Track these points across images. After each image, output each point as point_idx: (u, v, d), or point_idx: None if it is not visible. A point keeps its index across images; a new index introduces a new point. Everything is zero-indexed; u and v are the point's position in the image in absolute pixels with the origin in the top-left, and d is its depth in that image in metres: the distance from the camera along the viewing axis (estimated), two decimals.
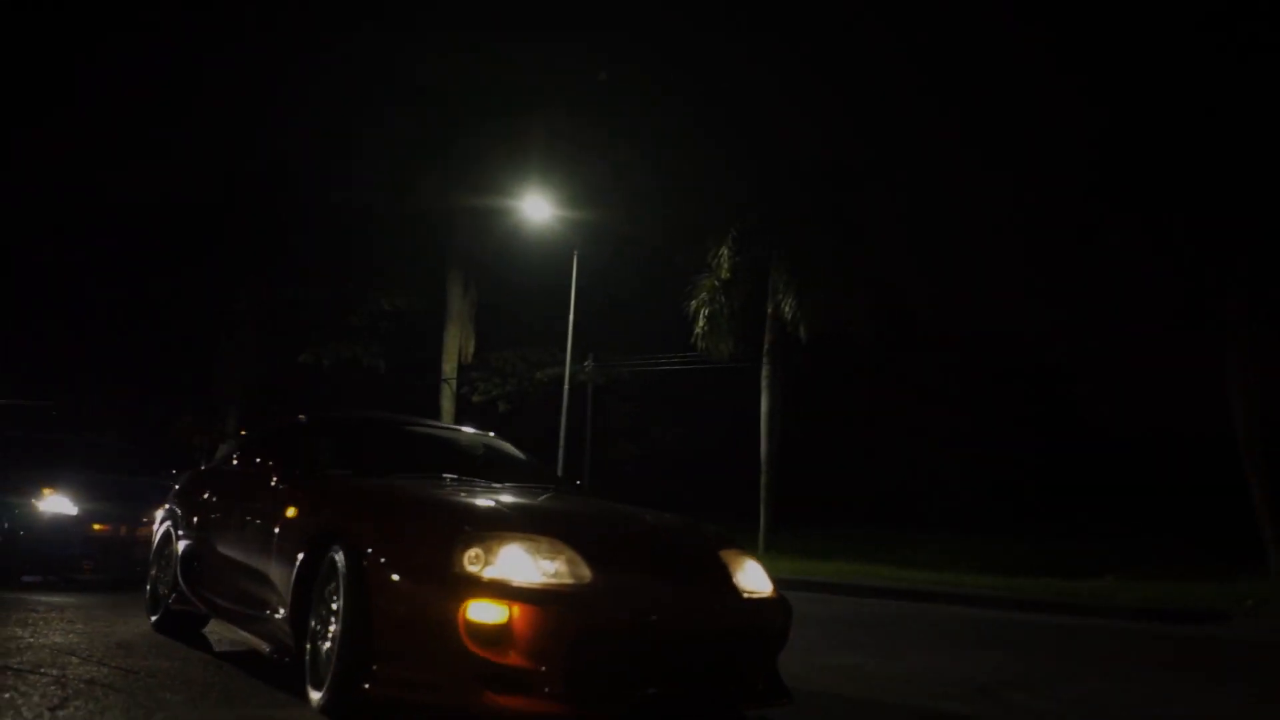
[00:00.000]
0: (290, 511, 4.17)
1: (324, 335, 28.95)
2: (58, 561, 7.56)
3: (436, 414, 25.48)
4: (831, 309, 20.29)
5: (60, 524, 7.50)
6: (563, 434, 23.53)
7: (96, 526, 7.60)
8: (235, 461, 5.46)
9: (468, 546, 3.25)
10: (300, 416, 5.22)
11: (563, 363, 24.09)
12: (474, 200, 24.00)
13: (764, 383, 21.03)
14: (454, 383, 26.70)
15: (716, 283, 20.86)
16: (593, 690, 3.18)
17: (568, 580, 3.27)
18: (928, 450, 30.99)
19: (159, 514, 6.22)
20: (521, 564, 3.24)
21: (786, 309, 20.30)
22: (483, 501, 3.85)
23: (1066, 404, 35.22)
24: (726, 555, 3.86)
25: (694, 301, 21.24)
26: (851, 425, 29.98)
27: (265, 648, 4.14)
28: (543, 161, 23.81)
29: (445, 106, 24.88)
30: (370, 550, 3.41)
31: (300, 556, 3.82)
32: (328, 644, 3.54)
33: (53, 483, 7.66)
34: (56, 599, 6.85)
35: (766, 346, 21.13)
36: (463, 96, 25.09)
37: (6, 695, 3.52)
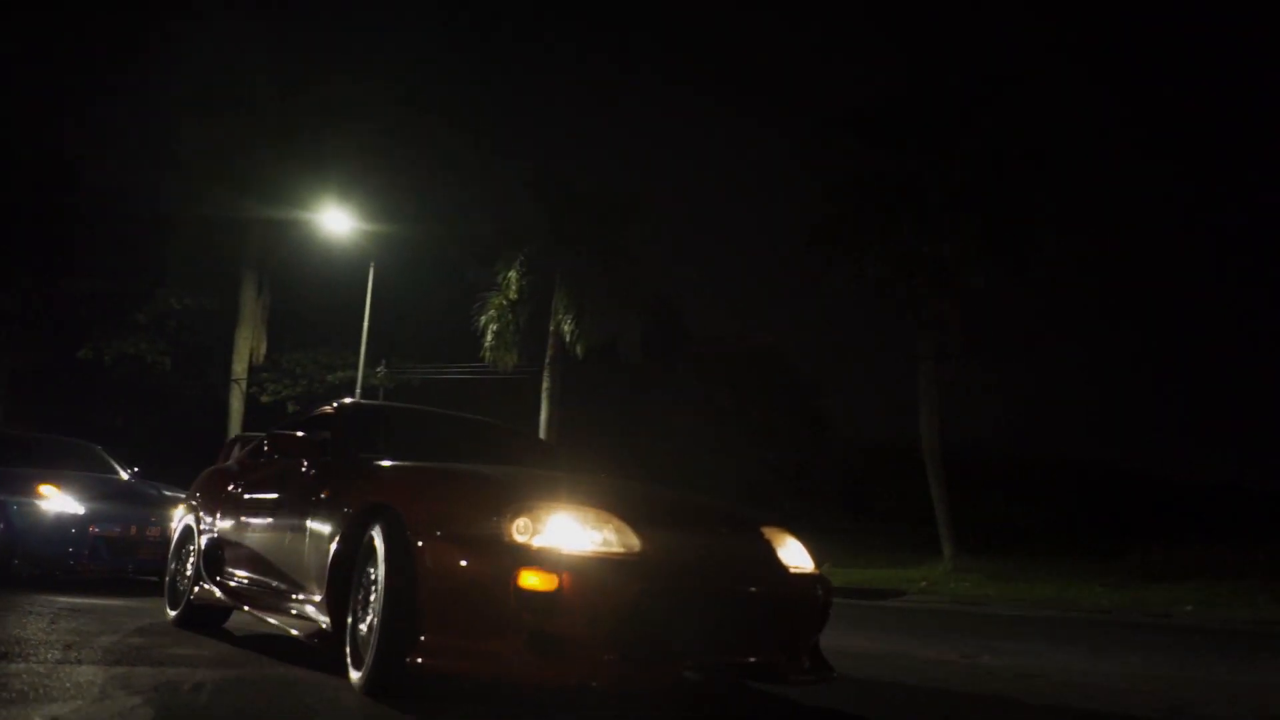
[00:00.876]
0: (325, 493, 4.11)
1: (106, 331, 28.73)
2: (63, 561, 7.36)
3: (224, 414, 26.18)
4: (605, 328, 22.86)
5: (65, 523, 7.37)
6: None
7: (103, 527, 7.47)
8: (261, 454, 5.25)
9: (516, 515, 3.20)
10: (332, 405, 5.17)
11: (355, 366, 25.44)
12: (272, 207, 24.87)
13: (544, 393, 23.29)
14: (244, 383, 27.34)
15: (505, 301, 22.98)
16: (643, 659, 3.14)
17: (617, 549, 3.23)
18: (696, 455, 34.18)
19: (178, 511, 6.29)
20: (571, 532, 3.19)
21: (566, 328, 22.67)
22: (527, 476, 3.91)
23: (819, 414, 39.74)
24: (769, 531, 3.84)
25: (484, 317, 23.26)
26: (625, 433, 32.75)
27: (296, 632, 4.04)
28: (345, 174, 25.03)
29: (247, 114, 25.61)
30: (414, 523, 3.36)
31: (338, 536, 3.77)
32: (368, 621, 3.47)
33: (56, 481, 7.64)
34: (67, 599, 6.71)
35: (548, 360, 23.41)
36: (265, 105, 25.94)
37: (34, 692, 3.29)
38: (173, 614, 5.60)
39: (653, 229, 27.41)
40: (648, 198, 28.84)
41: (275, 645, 4.77)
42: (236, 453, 6.38)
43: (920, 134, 19.30)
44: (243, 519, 5.04)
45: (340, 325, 28.01)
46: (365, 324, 24.25)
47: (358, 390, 25.10)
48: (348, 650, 3.63)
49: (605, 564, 3.17)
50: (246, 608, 4.74)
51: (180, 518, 5.97)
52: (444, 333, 28.15)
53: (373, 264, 24.39)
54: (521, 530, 3.19)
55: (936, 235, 19.14)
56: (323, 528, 3.97)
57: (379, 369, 28.73)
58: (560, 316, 22.81)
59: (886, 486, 34.66)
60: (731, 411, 35.59)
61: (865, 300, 21.87)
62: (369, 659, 3.38)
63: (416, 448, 4.57)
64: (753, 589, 3.54)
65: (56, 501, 7.39)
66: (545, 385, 23.36)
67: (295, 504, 4.34)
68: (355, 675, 3.51)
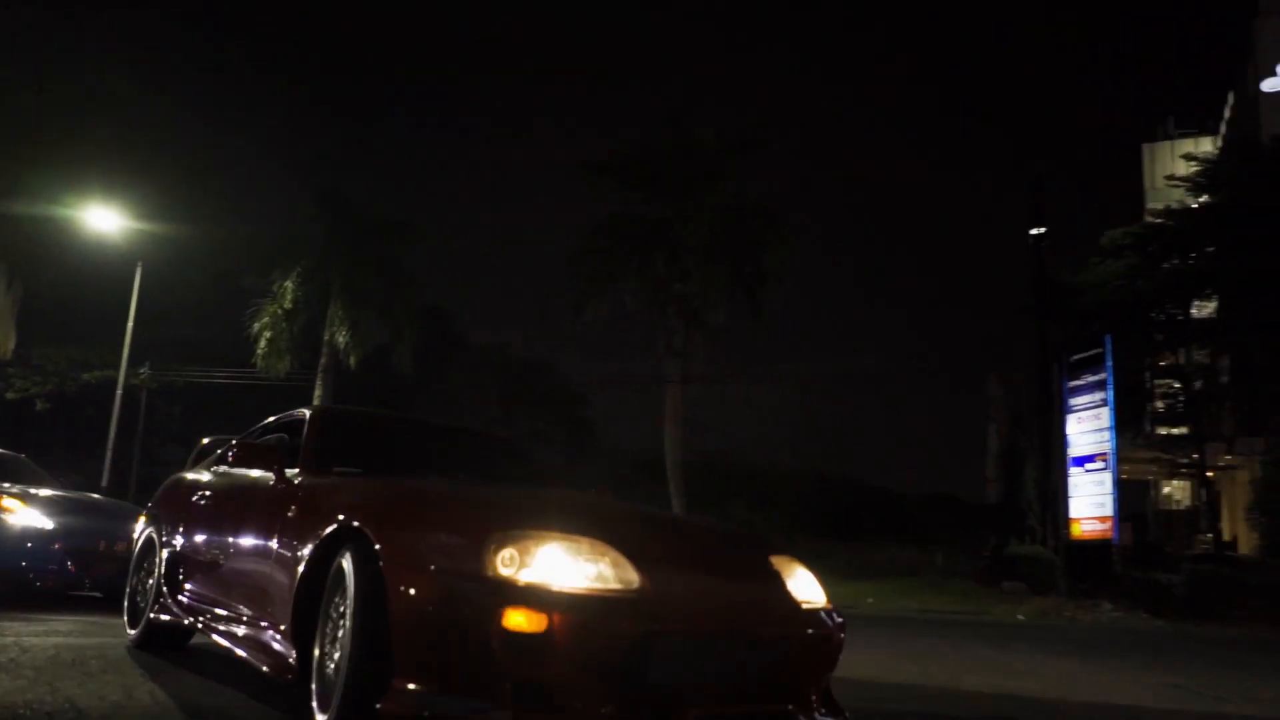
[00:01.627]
0: (293, 512, 3.67)
1: None
2: (32, 576, 7.09)
3: None
4: (378, 339, 24.02)
5: (34, 538, 7.12)
6: (112, 434, 24.63)
7: (73, 542, 7.25)
8: (227, 462, 4.83)
9: (501, 546, 2.80)
10: (302, 411, 4.66)
11: (117, 366, 25.11)
12: (21, 200, 24.09)
13: (316, 400, 24.06)
14: None
15: (280, 310, 23.62)
16: (644, 708, 2.77)
17: (614, 585, 2.83)
18: None
19: (139, 523, 5.86)
20: (562, 566, 2.80)
21: (340, 338, 23.60)
22: (515, 499, 3.54)
23: (585, 424, 42.03)
24: (778, 561, 3.46)
25: (258, 324, 23.76)
26: None
27: (262, 665, 3.58)
28: (110, 172, 24.69)
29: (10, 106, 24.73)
30: (388, 552, 2.96)
31: (305, 561, 3.36)
32: (336, 659, 3.07)
33: (24, 497, 7.42)
34: (30, 615, 6.44)
35: (321, 368, 24.20)
36: (15, 96, 25.09)
37: None
38: (132, 633, 5.19)
39: (426, 248, 28.77)
40: (427, 219, 30.18)
41: (240, 677, 4.30)
42: (196, 455, 6.10)
43: (673, 183, 21.83)
44: (206, 534, 4.63)
45: (104, 324, 27.40)
46: (130, 323, 24.11)
47: (118, 391, 24.80)
48: (314, 689, 3.19)
49: (601, 602, 2.77)
50: (209, 632, 4.30)
51: (141, 530, 5.55)
52: (214, 337, 28.14)
53: (140, 264, 24.27)
54: (507, 563, 2.78)
55: (685, 275, 21.69)
56: (289, 550, 3.54)
57: (142, 370, 28.29)
58: (335, 327, 23.71)
59: (642, 493, 37.27)
60: (501, 420, 37.10)
61: (621, 327, 24.22)
62: (335, 702, 2.96)
63: (397, 460, 4.29)
64: (766, 629, 3.15)
65: (22, 516, 7.16)
66: (318, 393, 24.14)
67: (261, 521, 3.92)
68: (321, 719, 3.08)
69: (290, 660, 3.37)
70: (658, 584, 2.91)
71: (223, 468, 4.94)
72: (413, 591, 2.86)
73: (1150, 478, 33.32)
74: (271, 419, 5.01)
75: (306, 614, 3.32)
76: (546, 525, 2.97)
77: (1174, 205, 26.11)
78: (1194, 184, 26.08)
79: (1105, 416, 18.87)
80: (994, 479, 33.57)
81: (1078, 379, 19.90)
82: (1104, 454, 18.89)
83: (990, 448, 33.77)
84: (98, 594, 7.71)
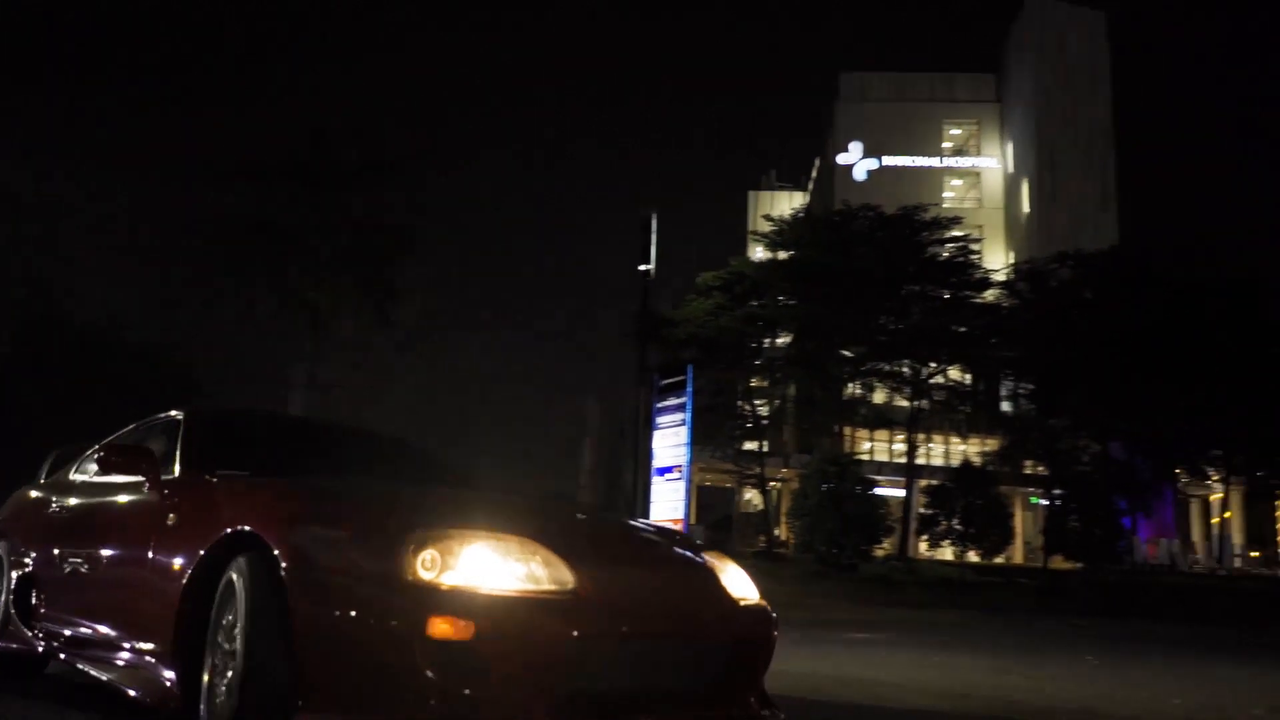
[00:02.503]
0: (173, 519, 3.28)
1: None
2: None
3: None
4: None
5: None
6: None
7: None
8: (92, 469, 4.31)
9: (421, 548, 2.51)
10: (175, 412, 4.17)
11: None
12: None
13: None
14: None
15: None
16: (582, 717, 2.58)
17: (547, 586, 2.59)
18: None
19: None
20: (490, 567, 2.55)
21: None
22: (433, 497, 3.28)
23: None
24: (711, 558, 3.29)
25: None
26: None
27: (138, 693, 3.19)
28: None
29: None
30: (290, 559, 2.63)
31: (190, 573, 2.99)
32: (229, 681, 2.73)
33: None
34: None
35: None
36: None
37: None
38: None
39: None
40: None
41: (104, 706, 3.74)
42: (51, 463, 5.47)
43: (311, 194, 22.54)
44: (66, 549, 4.08)
45: None
46: None
47: None
48: (202, 717, 2.84)
49: (533, 606, 2.54)
50: (68, 657, 3.85)
51: None
52: None
53: None
54: (428, 566, 2.49)
55: (319, 284, 22.47)
56: (169, 561, 3.16)
57: None
58: None
59: None
60: (107, 407, 34.82)
61: (255, 326, 24.39)
62: None
63: (287, 462, 3.84)
64: (707, 628, 2.99)
65: None
66: None
67: (134, 531, 3.51)
68: None
69: (171, 685, 2.96)
70: (594, 583, 2.64)
71: (82, 476, 4.38)
72: (320, 602, 2.54)
73: (730, 485, 38.58)
74: (137, 423, 4.51)
75: (190, 633, 2.93)
76: (471, 523, 2.68)
77: (761, 254, 31.04)
78: (771, 241, 31.13)
79: (684, 434, 22.32)
80: (585, 486, 37.05)
81: (665, 400, 23.26)
82: (680, 465, 22.34)
83: (584, 460, 37.25)
84: None
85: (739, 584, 3.18)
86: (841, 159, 50.90)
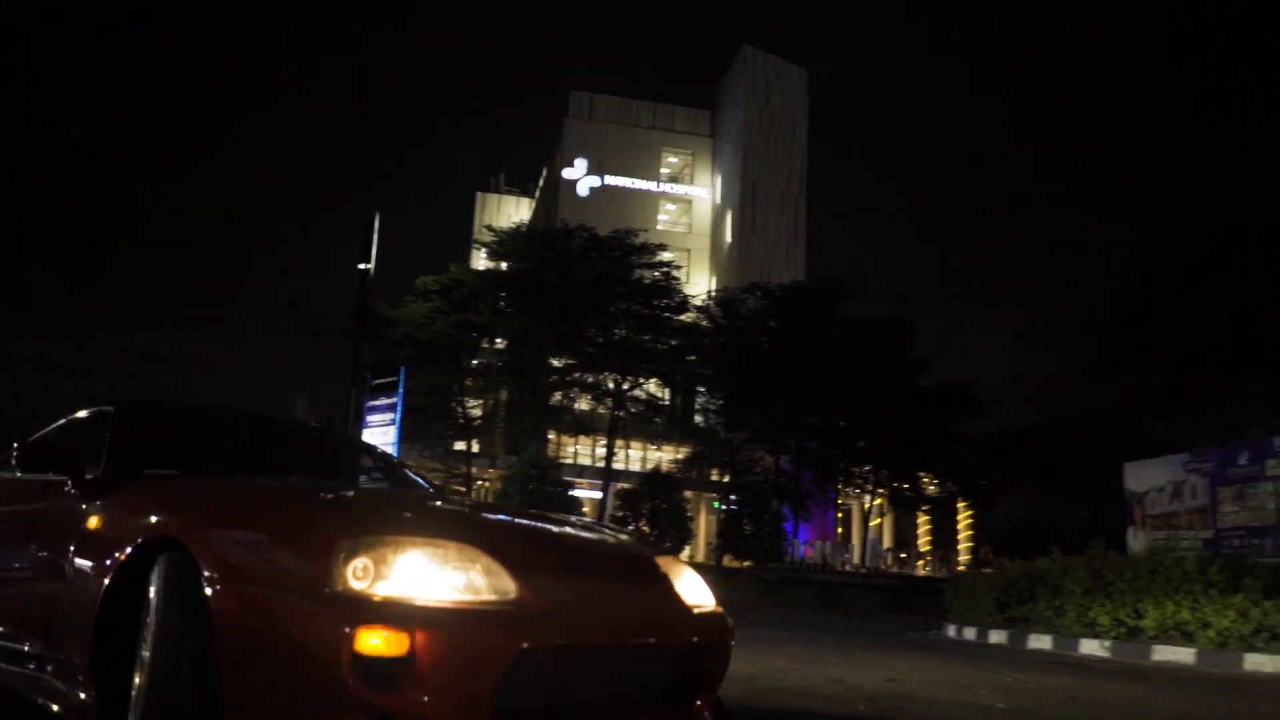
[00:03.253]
0: (93, 522, 3.10)
1: None
2: None
3: None
4: None
5: None
6: None
7: None
8: (12, 464, 3.95)
9: (353, 555, 2.37)
10: (104, 407, 3.91)
11: None
12: None
13: None
14: None
15: None
16: None
17: (487, 596, 2.47)
18: None
19: None
20: (425, 576, 2.41)
21: None
22: (367, 499, 3.15)
23: None
24: (664, 563, 3.16)
25: None
26: None
27: (54, 707, 3.03)
28: None
29: None
30: (212, 566, 2.49)
31: (108, 580, 2.81)
32: (134, 692, 2.64)
33: None
34: None
35: None
36: None
37: None
38: None
39: None
40: None
41: None
42: None
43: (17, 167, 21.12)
44: None
45: None
46: None
47: None
48: None
49: (473, 616, 2.40)
50: None
51: None
52: None
53: None
54: (360, 575, 2.35)
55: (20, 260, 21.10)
56: (88, 567, 2.98)
57: None
58: None
59: None
60: None
61: None
62: None
63: (221, 460, 3.68)
64: (659, 637, 2.86)
65: None
66: None
67: (51, 535, 3.28)
68: None
69: (87, 700, 2.80)
70: (537, 592, 2.51)
71: (5, 474, 4.01)
72: (243, 613, 2.40)
73: (438, 484, 39.26)
74: (66, 418, 4.24)
75: (112, 645, 2.77)
76: (405, 528, 2.56)
77: (485, 259, 32.09)
78: (492, 250, 32.35)
79: (393, 433, 22.99)
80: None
81: (377, 400, 23.80)
82: None
83: None
84: None
85: (693, 590, 3.07)
86: (567, 173, 53.09)
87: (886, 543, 42.91)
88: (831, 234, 77.16)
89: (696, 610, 3.00)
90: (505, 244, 32.07)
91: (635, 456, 39.52)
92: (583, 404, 33.12)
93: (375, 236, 27.92)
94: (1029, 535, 29.59)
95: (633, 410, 32.54)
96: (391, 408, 23.45)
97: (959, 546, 41.51)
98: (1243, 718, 5.27)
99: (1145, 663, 8.35)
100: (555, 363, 31.62)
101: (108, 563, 2.80)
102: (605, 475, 32.11)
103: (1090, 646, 9.07)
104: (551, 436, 34.88)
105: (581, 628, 2.59)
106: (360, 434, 23.77)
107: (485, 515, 3.22)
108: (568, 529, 3.28)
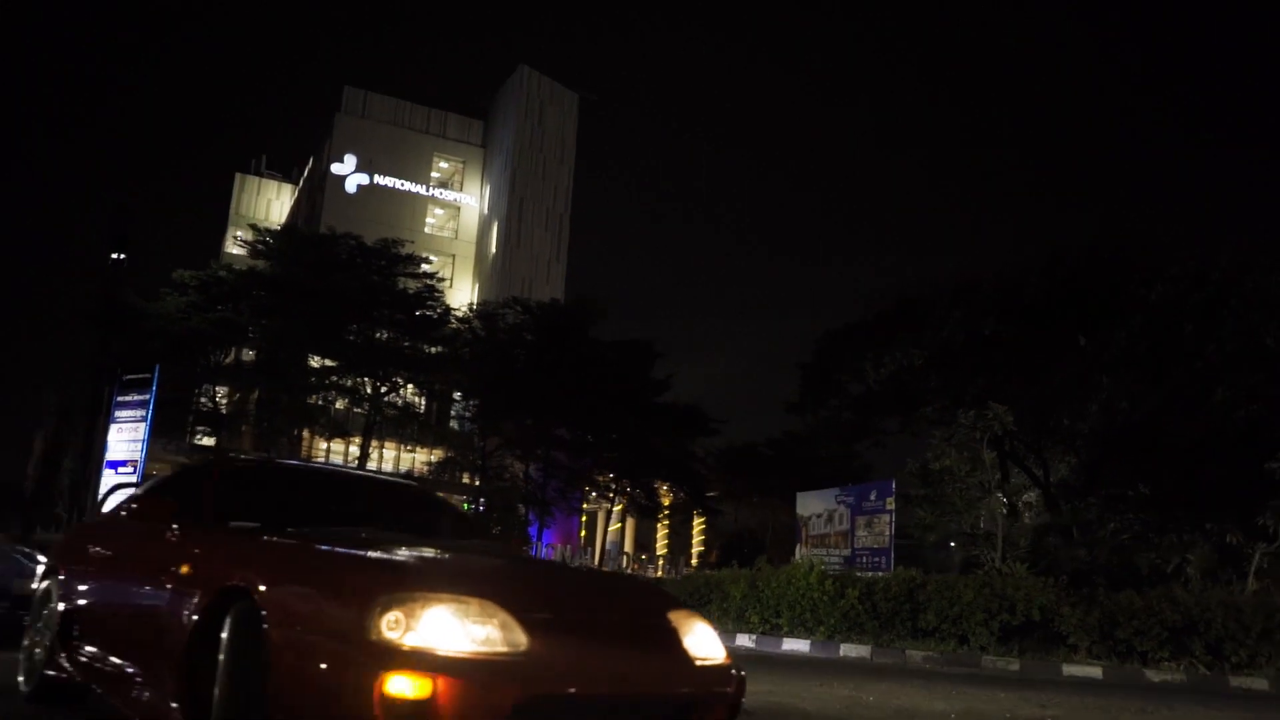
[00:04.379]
0: (185, 569, 3.57)
1: None
2: None
3: None
4: None
5: None
6: None
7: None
8: (124, 515, 4.66)
9: (386, 609, 2.75)
10: (208, 460, 3.77)
11: None
12: None
13: None
14: None
15: None
16: None
17: (501, 648, 2.81)
18: None
19: (40, 570, 5.48)
20: (448, 630, 2.77)
21: None
22: (403, 557, 3.39)
23: None
24: (676, 617, 3.43)
25: None
26: None
27: None
28: None
29: None
30: (272, 614, 2.92)
31: (194, 620, 3.27)
32: None
33: None
34: None
35: None
36: None
37: None
38: (24, 689, 4.80)
39: None
40: None
41: None
42: (104, 502, 5.61)
43: None
44: (101, 586, 4.45)
45: None
46: None
47: None
48: None
49: (486, 666, 2.75)
50: (99, 689, 4.10)
51: (42, 578, 5.27)
52: None
53: None
54: (393, 626, 2.72)
55: None
56: (178, 609, 3.43)
57: None
58: None
59: None
60: None
61: None
62: None
63: (300, 513, 4.07)
64: (658, 689, 3.15)
65: None
66: None
67: (154, 576, 3.76)
68: None
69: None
70: (546, 646, 2.85)
71: (124, 519, 4.66)
72: (294, 656, 2.81)
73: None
74: (180, 469, 4.99)
75: (197, 676, 3.21)
76: (435, 585, 2.92)
77: (240, 245, 32.03)
78: (254, 250, 32.46)
79: (143, 431, 23.11)
80: (34, 476, 35.08)
81: (127, 395, 23.75)
82: (135, 460, 23.08)
83: (36, 451, 35.29)
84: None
85: (702, 643, 3.34)
86: (336, 168, 52.86)
87: (628, 547, 46.05)
88: (591, 254, 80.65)
89: (701, 663, 3.28)
90: (270, 245, 32.29)
91: (390, 457, 40.45)
92: (339, 405, 33.77)
93: (123, 226, 27.59)
94: (749, 542, 33.41)
95: (389, 414, 33.60)
96: (143, 404, 23.60)
97: (692, 551, 45.32)
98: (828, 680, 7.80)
99: (777, 651, 11.10)
100: (314, 363, 32.17)
101: (194, 604, 3.30)
102: None
103: (743, 639, 11.79)
104: (305, 435, 35.23)
105: (586, 678, 2.90)
106: (108, 426, 23.67)
107: (510, 570, 3.59)
108: (586, 583, 3.78)
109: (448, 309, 35.05)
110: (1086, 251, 17.81)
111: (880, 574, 12.77)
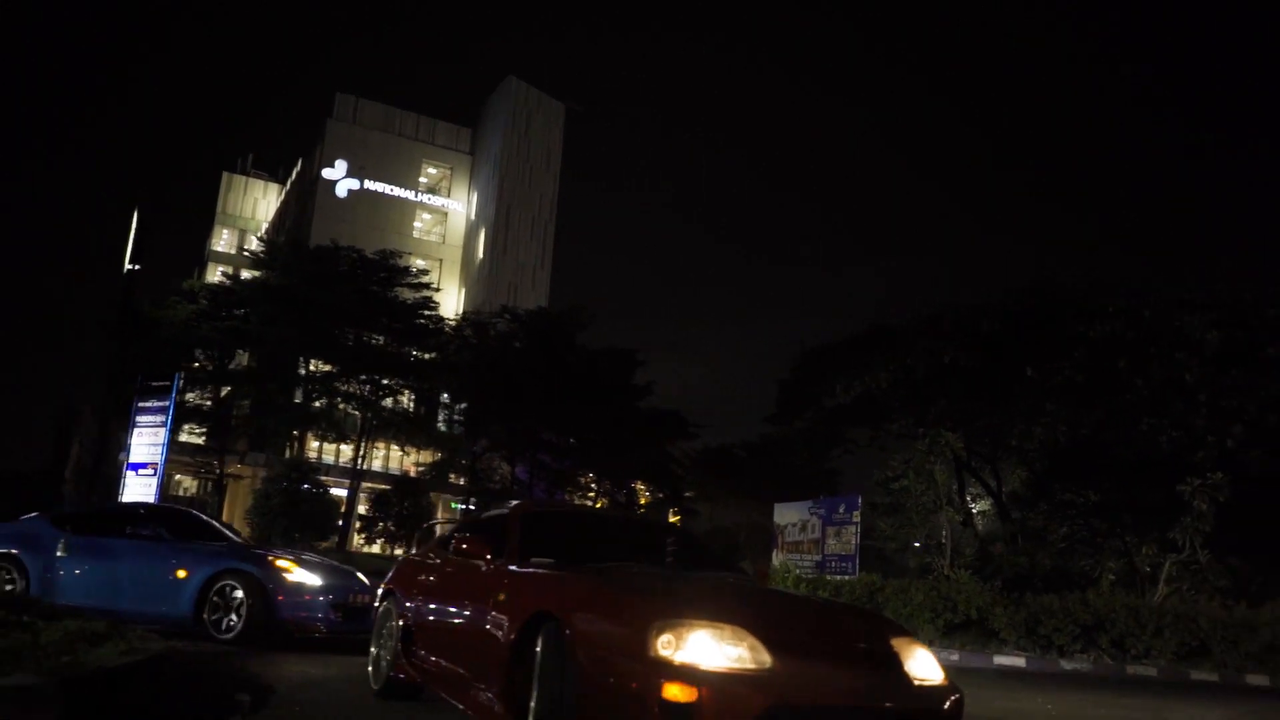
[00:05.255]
0: (502, 596, 4.42)
1: None
2: (316, 622, 8.15)
3: None
4: None
5: (310, 592, 8.22)
6: None
7: (337, 596, 8.28)
8: (450, 547, 5.67)
9: (661, 632, 3.42)
10: (508, 506, 5.61)
11: None
12: None
13: None
14: None
15: None
16: None
17: (750, 665, 3.42)
18: None
19: (378, 593, 6.64)
20: (708, 649, 3.40)
21: None
22: (673, 591, 4.11)
23: None
24: (898, 643, 3.92)
25: None
26: None
27: (478, 718, 4.38)
28: None
29: None
30: (575, 635, 3.65)
31: (513, 637, 4.09)
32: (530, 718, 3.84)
33: (297, 560, 8.59)
34: (294, 663, 7.08)
35: None
36: None
37: None
38: (375, 689, 5.92)
39: None
40: None
41: None
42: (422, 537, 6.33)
43: None
44: (434, 607, 5.39)
45: None
46: None
47: None
48: None
49: (739, 679, 3.36)
50: (434, 687, 5.13)
51: (380, 599, 6.40)
52: None
53: None
54: (666, 646, 3.39)
55: None
56: (499, 627, 4.30)
57: None
58: None
59: None
60: None
61: None
62: None
63: (584, 549, 4.94)
64: (881, 704, 3.62)
65: (298, 575, 8.31)
66: None
67: (477, 601, 4.68)
68: None
69: (501, 714, 4.11)
70: (786, 664, 3.45)
71: (444, 554, 5.80)
72: (592, 666, 3.53)
73: (176, 476, 39.77)
74: (485, 514, 6.13)
75: (513, 680, 4.05)
76: (698, 614, 3.55)
77: (224, 243, 33.37)
78: (255, 260, 33.90)
79: (162, 435, 24.51)
80: (72, 481, 36.35)
81: (148, 401, 25.06)
82: (155, 463, 24.49)
83: (73, 456, 36.67)
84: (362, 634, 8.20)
85: (923, 666, 3.84)
86: (327, 173, 54.09)
87: None
88: (576, 259, 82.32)
89: (923, 683, 3.77)
90: (273, 255, 33.74)
91: (382, 457, 41.91)
92: (339, 407, 35.15)
93: (132, 234, 28.85)
94: (724, 542, 35.18)
95: (384, 416, 35.06)
96: (164, 410, 24.99)
97: None
98: None
99: None
100: (314, 368, 33.63)
101: (510, 627, 4.15)
102: (354, 475, 34.43)
103: None
104: (299, 434, 36.68)
105: (820, 691, 3.46)
106: (131, 429, 25.01)
107: (755, 599, 4.31)
108: (820, 611, 4.40)
109: (443, 318, 36.57)
110: (1035, 290, 19.80)
111: (847, 578, 14.62)
